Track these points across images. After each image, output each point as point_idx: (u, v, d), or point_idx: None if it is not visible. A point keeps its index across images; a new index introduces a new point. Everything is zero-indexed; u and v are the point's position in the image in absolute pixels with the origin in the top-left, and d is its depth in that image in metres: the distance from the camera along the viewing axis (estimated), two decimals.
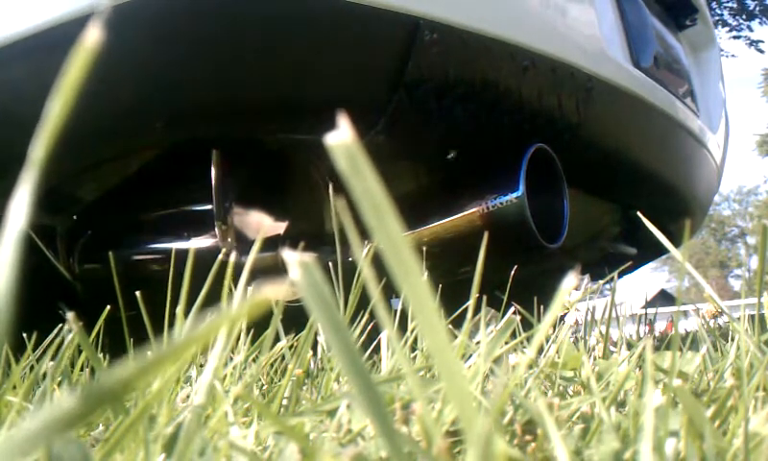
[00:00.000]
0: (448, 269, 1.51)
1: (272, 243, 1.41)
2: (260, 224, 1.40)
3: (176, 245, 1.39)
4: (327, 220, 1.44)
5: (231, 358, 0.68)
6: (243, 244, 1.31)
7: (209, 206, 1.29)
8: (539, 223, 1.34)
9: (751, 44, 11.59)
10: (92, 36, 0.18)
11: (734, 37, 11.71)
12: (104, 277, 1.44)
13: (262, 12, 1.13)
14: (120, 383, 0.16)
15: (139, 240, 1.47)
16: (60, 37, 1.10)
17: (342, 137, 0.21)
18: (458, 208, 1.41)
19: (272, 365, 0.77)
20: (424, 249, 1.25)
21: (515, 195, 1.34)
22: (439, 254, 1.41)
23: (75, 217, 1.48)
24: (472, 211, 1.39)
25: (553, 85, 1.45)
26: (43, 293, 1.39)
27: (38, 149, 0.19)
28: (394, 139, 1.30)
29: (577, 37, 1.54)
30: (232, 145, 1.31)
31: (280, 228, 1.45)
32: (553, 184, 1.46)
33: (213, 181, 1.27)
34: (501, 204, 1.35)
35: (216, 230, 1.29)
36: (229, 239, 1.28)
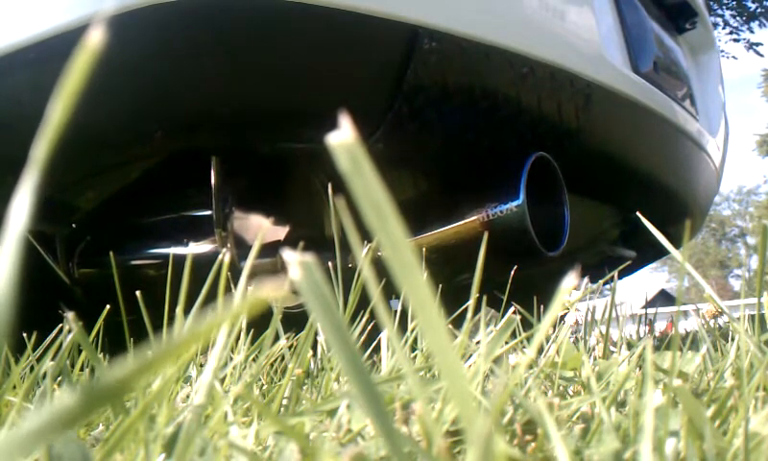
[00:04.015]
0: (448, 276, 1.51)
1: (272, 249, 1.41)
2: (260, 229, 1.40)
3: (174, 250, 1.39)
4: (327, 226, 1.44)
5: (231, 358, 0.68)
6: (242, 250, 1.31)
7: (209, 212, 1.29)
8: (539, 230, 1.34)
9: (750, 47, 11.54)
10: (94, 38, 0.18)
11: (734, 40, 11.67)
12: (102, 281, 1.44)
13: (260, 23, 1.13)
14: (120, 381, 0.16)
15: (138, 246, 1.47)
16: (59, 48, 1.10)
17: (343, 138, 0.21)
18: (458, 216, 1.41)
19: (272, 365, 0.77)
20: (424, 256, 1.25)
21: (515, 203, 1.34)
22: (439, 262, 1.41)
23: (74, 225, 1.47)
24: (473, 219, 1.39)
25: (552, 92, 1.45)
26: (42, 296, 1.39)
27: (40, 151, 0.19)
28: (393, 147, 1.30)
29: (576, 44, 1.54)
30: (232, 152, 1.31)
31: (280, 233, 1.45)
32: (553, 192, 1.46)
33: (213, 187, 1.27)
34: (502, 212, 1.35)
35: (215, 236, 1.29)
36: (229, 245, 1.28)
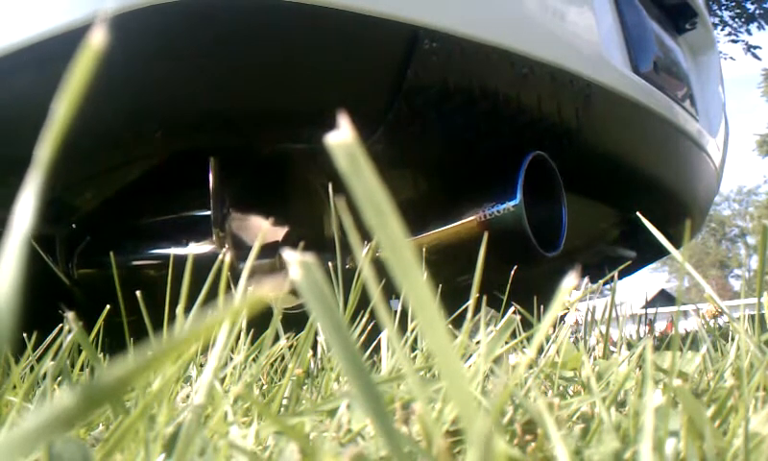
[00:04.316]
0: (448, 277, 1.51)
1: (271, 250, 1.41)
2: (258, 230, 1.40)
3: (174, 251, 1.39)
4: (326, 226, 1.44)
5: (231, 358, 0.68)
6: (241, 250, 1.31)
7: (207, 213, 1.29)
8: (537, 230, 1.34)
9: (748, 50, 11.50)
10: (96, 38, 0.18)
11: (733, 41, 11.63)
12: (102, 281, 1.44)
13: (260, 23, 1.13)
14: (120, 380, 0.16)
15: (138, 246, 1.47)
16: (60, 48, 1.10)
17: (342, 138, 0.21)
18: (456, 216, 1.41)
19: (272, 365, 0.77)
20: (423, 256, 1.25)
21: (512, 203, 1.34)
22: (437, 262, 1.41)
23: (74, 225, 1.47)
24: (470, 219, 1.38)
25: (552, 92, 1.45)
26: (42, 297, 1.39)
27: (44, 151, 0.19)
28: (392, 147, 1.30)
29: (576, 44, 1.54)
30: (231, 152, 1.31)
31: (279, 234, 1.45)
32: (551, 192, 1.46)
33: (211, 188, 1.27)
34: (499, 212, 1.35)
35: (213, 236, 1.29)
36: (227, 246, 1.28)
